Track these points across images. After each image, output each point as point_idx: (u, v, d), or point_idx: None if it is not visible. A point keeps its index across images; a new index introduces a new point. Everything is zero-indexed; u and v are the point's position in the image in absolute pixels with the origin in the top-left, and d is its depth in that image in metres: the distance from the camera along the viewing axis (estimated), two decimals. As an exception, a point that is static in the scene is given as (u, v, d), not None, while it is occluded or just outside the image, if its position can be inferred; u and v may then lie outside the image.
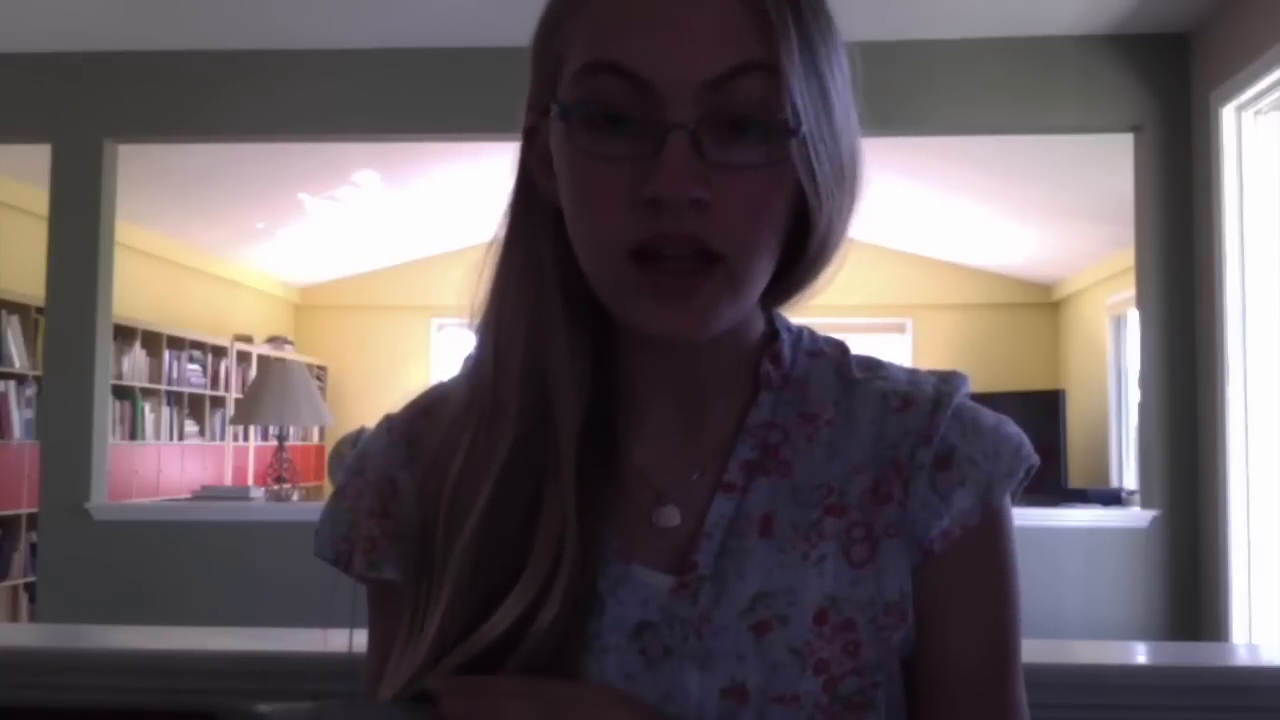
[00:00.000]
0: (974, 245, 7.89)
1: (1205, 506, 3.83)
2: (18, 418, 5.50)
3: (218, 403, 7.60)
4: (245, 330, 8.00)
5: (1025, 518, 3.83)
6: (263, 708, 0.58)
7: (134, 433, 6.52)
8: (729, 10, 0.64)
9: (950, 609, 0.71)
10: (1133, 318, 5.71)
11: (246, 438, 7.94)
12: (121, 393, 6.28)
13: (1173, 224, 3.97)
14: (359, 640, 0.78)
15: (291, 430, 6.29)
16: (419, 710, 0.61)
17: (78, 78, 4.27)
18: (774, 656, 0.68)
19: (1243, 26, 3.58)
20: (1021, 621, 0.73)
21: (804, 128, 0.65)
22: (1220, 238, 3.68)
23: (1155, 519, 3.94)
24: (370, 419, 0.82)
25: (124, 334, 6.27)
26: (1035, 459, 0.74)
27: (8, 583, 5.56)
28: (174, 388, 7.01)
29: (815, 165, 0.66)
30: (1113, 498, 5.94)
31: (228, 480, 7.41)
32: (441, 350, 8.84)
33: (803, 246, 0.70)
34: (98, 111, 4.28)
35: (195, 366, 7.33)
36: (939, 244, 8.04)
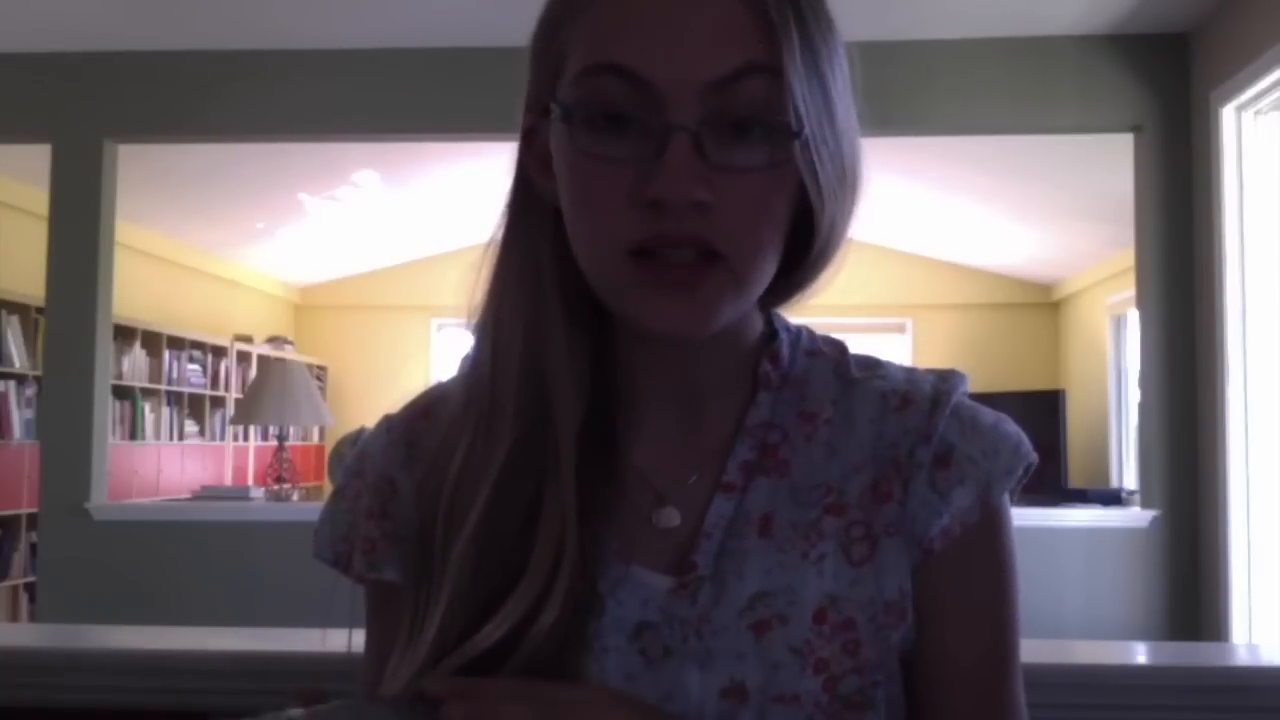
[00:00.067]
0: (974, 245, 7.89)
1: (1205, 506, 3.83)
2: (18, 418, 5.50)
3: (218, 403, 7.60)
4: (245, 330, 8.00)
5: (1025, 518, 3.83)
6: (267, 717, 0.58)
7: (134, 433, 6.52)
8: (731, 12, 0.64)
9: (949, 607, 0.71)
10: (1133, 318, 5.71)
11: (246, 438, 7.94)
12: (121, 393, 6.29)
13: (1173, 224, 3.97)
14: (358, 640, 0.78)
15: (291, 430, 6.29)
16: (418, 711, 0.61)
17: (78, 78, 4.27)
18: (774, 656, 0.68)
19: (1243, 26, 3.58)
20: (1020, 620, 0.73)
21: (806, 129, 0.65)
22: (1220, 238, 3.68)
23: (1155, 519, 3.94)
24: (370, 419, 0.82)
25: (124, 334, 6.27)
26: (1034, 457, 0.74)
27: (8, 583, 5.56)
28: (174, 388, 7.01)
29: (818, 166, 0.66)
30: (1113, 498, 5.94)
31: (228, 480, 7.41)
32: (441, 350, 8.84)
33: (804, 247, 0.71)
34: (98, 111, 4.28)
35: (195, 366, 7.33)
36: (939, 244, 8.05)
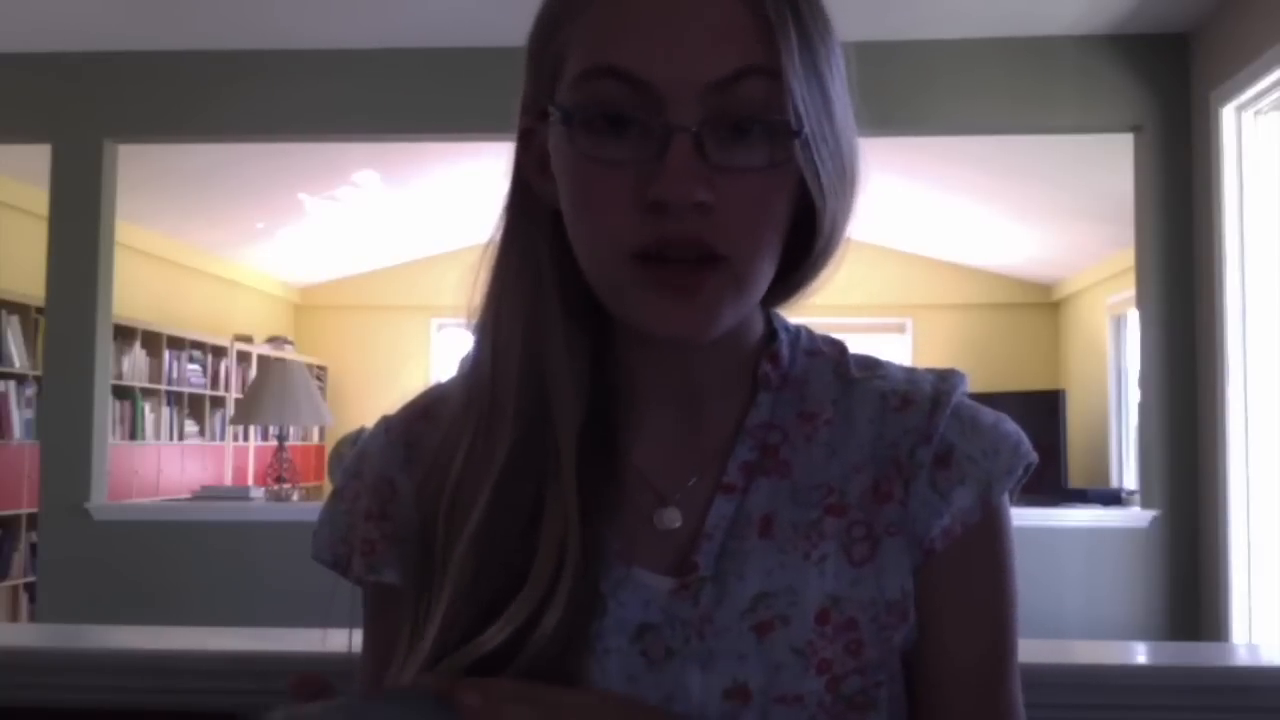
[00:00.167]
0: (974, 245, 7.89)
1: (1205, 506, 3.83)
2: (18, 418, 5.50)
3: (218, 403, 7.60)
4: (245, 330, 8.00)
5: (1025, 518, 3.83)
6: (275, 714, 0.58)
7: (134, 433, 6.52)
8: (730, 13, 0.64)
9: (949, 607, 0.71)
10: (1133, 318, 5.71)
11: (246, 438, 7.94)
12: (121, 393, 6.29)
13: (1173, 224, 3.97)
14: (358, 641, 0.78)
15: (291, 430, 6.29)
16: (421, 705, 0.61)
17: (78, 78, 4.27)
18: (776, 656, 0.68)
19: (1243, 26, 3.58)
20: (1018, 620, 0.73)
21: (806, 128, 0.65)
22: (1220, 238, 3.68)
23: (1155, 519, 3.94)
24: (370, 419, 0.82)
25: (124, 334, 6.27)
26: (1034, 456, 0.74)
27: (8, 583, 5.56)
28: (174, 388, 7.01)
29: (819, 165, 0.66)
30: (1113, 498, 5.94)
31: (228, 480, 7.41)
32: (441, 350, 8.84)
33: (805, 246, 0.71)
34: (98, 111, 4.28)
35: (195, 366, 7.33)
36: (939, 244, 8.05)
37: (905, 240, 7.95)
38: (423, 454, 0.75)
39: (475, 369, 0.73)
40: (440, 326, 8.84)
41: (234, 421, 6.68)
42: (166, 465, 6.80)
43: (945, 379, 0.75)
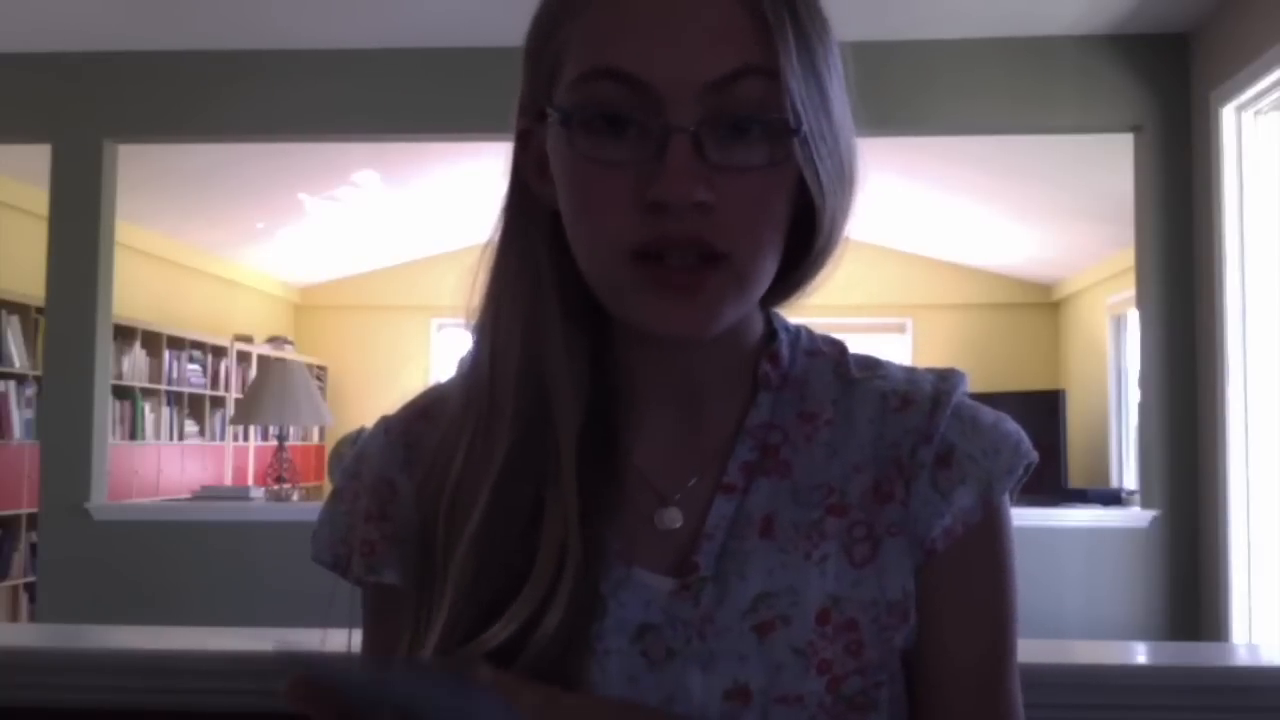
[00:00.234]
0: (974, 245, 7.89)
1: (1205, 506, 3.83)
2: (18, 418, 5.50)
3: (218, 403, 7.60)
4: (245, 330, 8.00)
5: (1025, 518, 3.83)
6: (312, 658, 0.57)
7: (134, 433, 6.52)
8: (728, 13, 0.64)
9: (949, 607, 0.71)
10: (1133, 318, 5.71)
11: (246, 438, 7.94)
12: (121, 393, 6.28)
13: (1173, 224, 3.97)
14: (358, 641, 0.77)
15: (291, 430, 6.29)
16: (444, 677, 0.60)
17: (78, 78, 4.27)
18: (777, 657, 0.68)
19: (1243, 26, 3.58)
20: (1018, 620, 0.73)
21: (805, 126, 0.65)
22: (1220, 238, 3.68)
23: (1155, 519, 3.94)
24: (370, 419, 0.82)
25: (124, 334, 6.27)
26: (1034, 455, 0.74)
27: (8, 583, 5.56)
28: (174, 388, 7.01)
29: (818, 164, 0.66)
30: (1113, 498, 5.94)
31: (228, 480, 7.41)
32: (441, 350, 8.84)
33: (805, 245, 0.71)
34: (98, 111, 4.28)
35: (195, 366, 7.33)
36: (939, 244, 8.05)
37: (905, 240, 7.95)
38: (422, 454, 0.75)
39: (474, 370, 0.73)
40: (440, 326, 8.84)
41: (234, 421, 6.68)
42: (166, 465, 6.80)
43: (945, 379, 0.75)
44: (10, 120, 4.33)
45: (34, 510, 4.87)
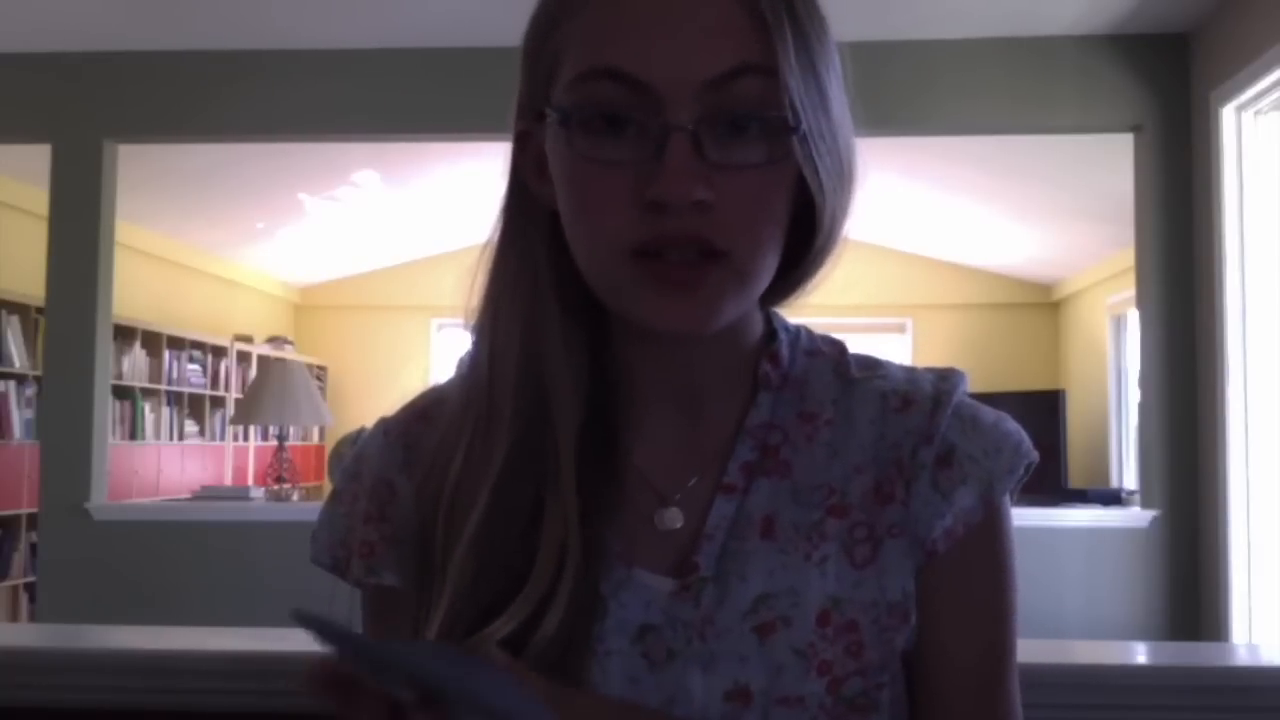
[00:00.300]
0: (974, 245, 7.89)
1: (1205, 506, 3.83)
2: (18, 418, 5.50)
3: (218, 403, 7.60)
4: (245, 330, 8.00)
5: (1025, 518, 3.83)
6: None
7: (134, 433, 6.52)
8: (726, 12, 0.64)
9: (949, 607, 0.71)
10: (1133, 318, 5.71)
11: (246, 438, 7.94)
12: (121, 393, 6.28)
13: (1173, 224, 3.97)
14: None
15: (291, 430, 6.29)
16: (459, 652, 0.60)
17: (78, 78, 4.27)
18: (777, 658, 0.68)
19: (1243, 26, 3.58)
20: (1018, 620, 0.73)
21: (804, 124, 0.65)
22: (1220, 238, 3.68)
23: (1155, 519, 3.94)
24: (370, 419, 0.82)
25: (124, 334, 6.27)
26: (1035, 455, 0.74)
27: (8, 583, 5.56)
28: (174, 388, 7.01)
29: (817, 161, 0.66)
30: (1113, 498, 5.93)
31: (228, 480, 7.41)
32: (441, 350, 8.84)
33: (805, 243, 0.71)
34: (98, 111, 4.28)
35: (195, 366, 7.33)
36: (939, 244, 8.05)
37: (905, 240, 7.95)
38: (421, 455, 0.75)
39: (473, 370, 0.73)
40: (440, 326, 8.84)
41: (234, 421, 6.68)
42: (166, 465, 6.80)
43: (945, 378, 0.75)
44: (10, 120, 4.33)
45: (34, 510, 4.87)
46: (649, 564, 0.71)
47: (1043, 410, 6.77)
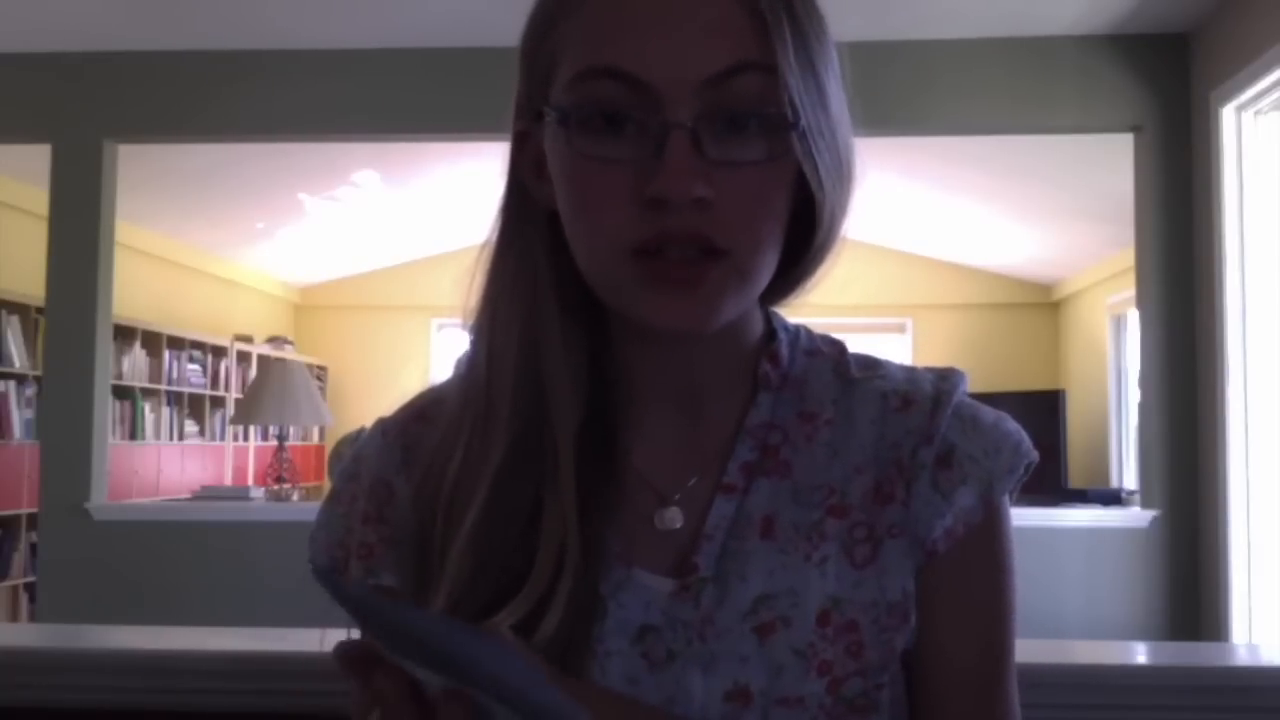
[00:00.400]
0: (974, 245, 7.89)
1: (1205, 506, 3.83)
2: (18, 418, 5.50)
3: (218, 403, 7.60)
4: (245, 330, 8.00)
5: (1025, 518, 3.83)
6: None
7: (134, 433, 6.52)
8: (725, 10, 0.64)
9: (948, 607, 0.71)
10: (1133, 318, 5.71)
11: (246, 438, 7.94)
12: (121, 393, 6.28)
13: (1173, 224, 3.97)
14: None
15: (291, 430, 6.29)
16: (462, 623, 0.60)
17: (78, 78, 4.27)
18: (777, 658, 0.68)
19: (1243, 26, 3.58)
20: (1016, 620, 0.73)
21: (803, 121, 0.65)
22: (1220, 238, 3.68)
23: (1155, 519, 3.94)
24: (370, 419, 0.82)
25: (124, 334, 6.27)
26: (1035, 455, 0.74)
27: (8, 583, 5.56)
28: (174, 388, 7.01)
29: (816, 158, 0.66)
30: (1113, 498, 5.93)
31: (228, 480, 7.41)
32: (441, 350, 8.84)
33: (804, 240, 0.71)
34: (98, 111, 4.28)
35: (195, 366, 7.33)
36: (939, 244, 8.04)
37: (905, 240, 7.95)
38: (420, 456, 0.75)
39: (471, 370, 0.73)
40: (440, 326, 8.84)
41: (234, 421, 6.68)
42: (166, 465, 6.79)
43: (945, 378, 0.75)
44: (10, 120, 4.33)
45: (34, 510, 4.87)
46: (648, 564, 0.71)
47: (1043, 410, 6.77)
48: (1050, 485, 6.13)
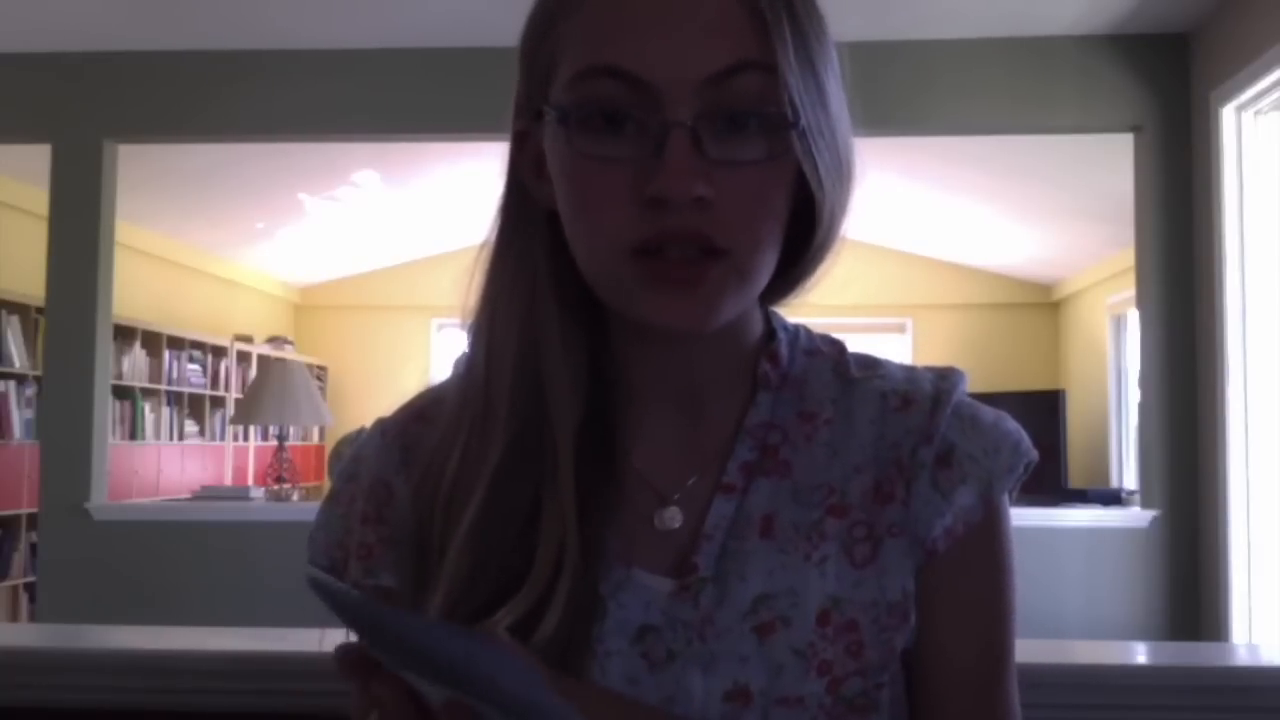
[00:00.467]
0: (974, 245, 7.89)
1: (1205, 506, 3.83)
2: (18, 418, 5.50)
3: (218, 403, 7.60)
4: (245, 330, 8.00)
5: (1025, 518, 3.83)
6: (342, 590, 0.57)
7: (134, 433, 6.52)
8: (725, 9, 0.65)
9: (947, 607, 0.71)
10: (1133, 318, 5.71)
11: (246, 438, 7.94)
12: (121, 393, 6.28)
13: (1173, 224, 3.97)
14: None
15: (291, 430, 6.29)
16: (457, 627, 0.60)
17: (78, 78, 4.27)
18: (777, 658, 0.68)
19: (1243, 26, 3.58)
20: (1016, 619, 0.73)
21: (803, 120, 0.65)
22: (1220, 238, 3.68)
23: (1155, 519, 3.94)
24: (370, 419, 0.82)
25: (124, 334, 6.27)
26: (1034, 454, 0.74)
27: (8, 583, 5.56)
28: (174, 388, 7.01)
29: (816, 157, 0.66)
30: (1113, 498, 5.93)
31: (228, 480, 7.41)
32: (442, 350, 8.84)
33: (804, 240, 0.71)
34: (98, 111, 4.28)
35: (195, 366, 7.33)
36: (939, 244, 8.04)
37: (905, 240, 7.95)
38: (419, 456, 0.74)
39: (470, 370, 0.73)
40: (440, 326, 8.84)
41: (234, 421, 6.68)
42: (166, 465, 6.79)
43: (945, 377, 0.75)
44: (10, 120, 4.33)
45: (34, 510, 4.87)
46: (648, 564, 0.71)
47: (1043, 410, 6.77)
48: (1050, 485, 6.13)
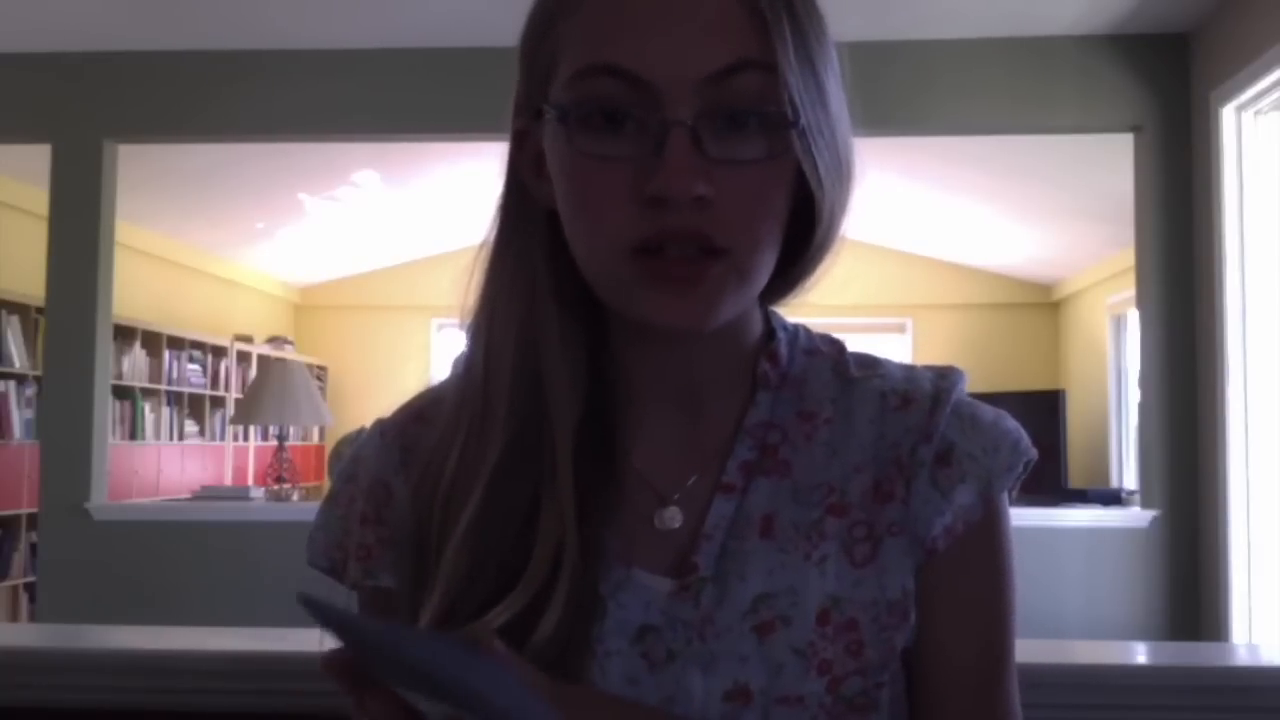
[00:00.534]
0: (974, 245, 7.89)
1: (1205, 506, 3.83)
2: (18, 418, 5.50)
3: (218, 403, 7.60)
4: (245, 330, 8.00)
5: (1025, 518, 3.83)
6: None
7: (134, 433, 6.52)
8: (724, 8, 0.65)
9: (947, 606, 0.71)
10: (1133, 318, 5.71)
11: (246, 438, 7.94)
12: (121, 393, 6.28)
13: (1173, 224, 3.97)
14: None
15: (291, 430, 6.29)
16: (454, 639, 0.60)
17: (78, 78, 4.27)
18: (777, 657, 0.68)
19: (1243, 26, 3.58)
20: (1016, 618, 0.73)
21: (803, 119, 0.65)
22: (1220, 238, 3.68)
23: (1155, 519, 3.94)
24: (370, 419, 0.82)
25: (124, 334, 6.27)
26: (1034, 453, 0.74)
27: (8, 583, 5.56)
28: (174, 388, 7.01)
29: (816, 156, 0.66)
30: (1113, 498, 5.93)
31: (228, 480, 7.41)
32: (441, 350, 8.84)
33: (804, 239, 0.71)
34: (98, 111, 4.28)
35: (195, 366, 7.33)
36: (939, 244, 8.04)
37: (905, 240, 7.95)
38: (418, 457, 0.74)
39: (468, 370, 0.73)
40: (440, 326, 8.84)
41: (234, 421, 6.68)
42: (166, 465, 6.79)
43: (944, 376, 0.75)
44: (10, 120, 4.33)
45: (34, 510, 4.87)
46: (648, 564, 0.71)
47: (1043, 410, 6.77)
48: (1050, 485, 6.13)
